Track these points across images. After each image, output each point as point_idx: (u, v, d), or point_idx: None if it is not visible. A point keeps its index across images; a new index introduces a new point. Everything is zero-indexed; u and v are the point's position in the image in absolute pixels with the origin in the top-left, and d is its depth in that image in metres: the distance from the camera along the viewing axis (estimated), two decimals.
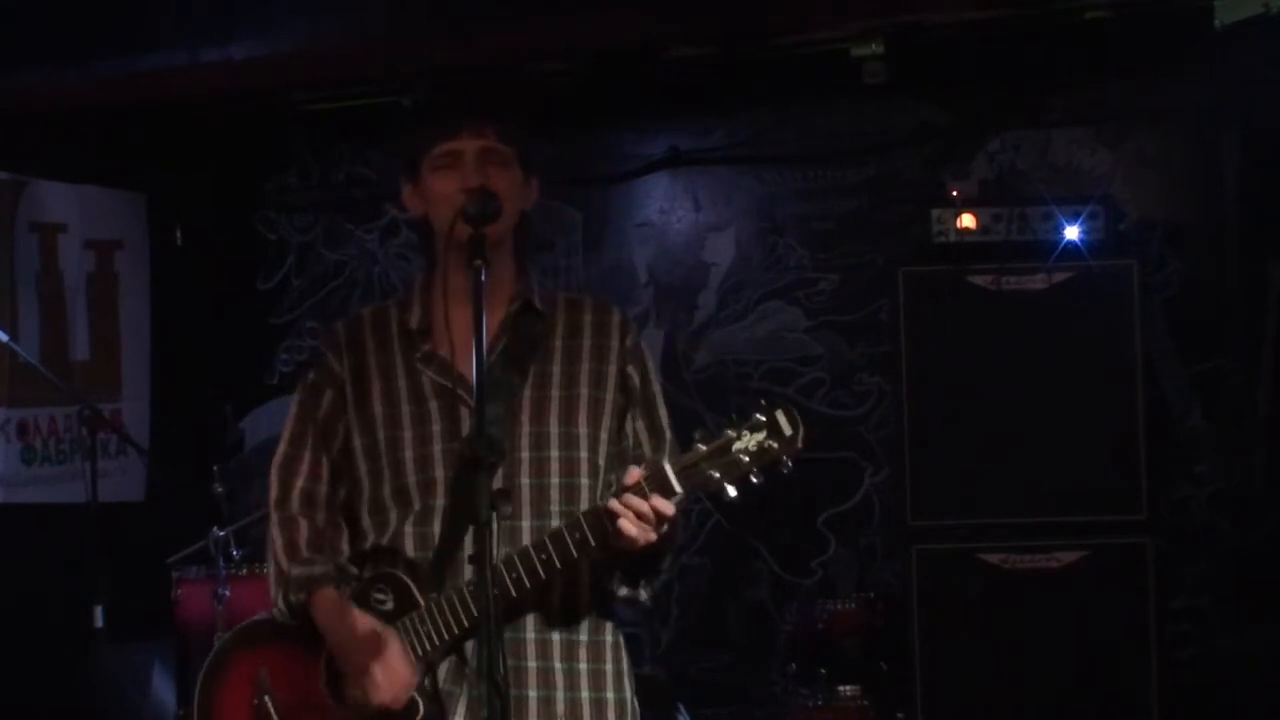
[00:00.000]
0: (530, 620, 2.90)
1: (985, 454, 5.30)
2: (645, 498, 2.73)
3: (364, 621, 2.86)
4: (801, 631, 5.69)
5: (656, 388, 3.07)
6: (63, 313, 6.27)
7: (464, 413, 2.91)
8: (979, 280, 5.34)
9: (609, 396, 2.99)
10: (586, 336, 3.01)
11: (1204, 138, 5.81)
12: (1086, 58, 5.81)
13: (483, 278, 2.69)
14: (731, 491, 2.73)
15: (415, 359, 2.98)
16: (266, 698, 2.99)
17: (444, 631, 2.86)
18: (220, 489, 5.39)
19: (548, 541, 2.80)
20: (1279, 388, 5.51)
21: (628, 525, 2.74)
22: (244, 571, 5.43)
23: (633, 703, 3.01)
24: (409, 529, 2.91)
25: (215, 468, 5.46)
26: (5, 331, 5.55)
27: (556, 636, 2.92)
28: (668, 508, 2.74)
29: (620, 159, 6.49)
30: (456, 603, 2.85)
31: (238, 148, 6.70)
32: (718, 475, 2.71)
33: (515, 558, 2.81)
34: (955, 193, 5.43)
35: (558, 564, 2.80)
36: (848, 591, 5.90)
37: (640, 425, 3.02)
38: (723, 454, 2.72)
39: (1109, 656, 5.20)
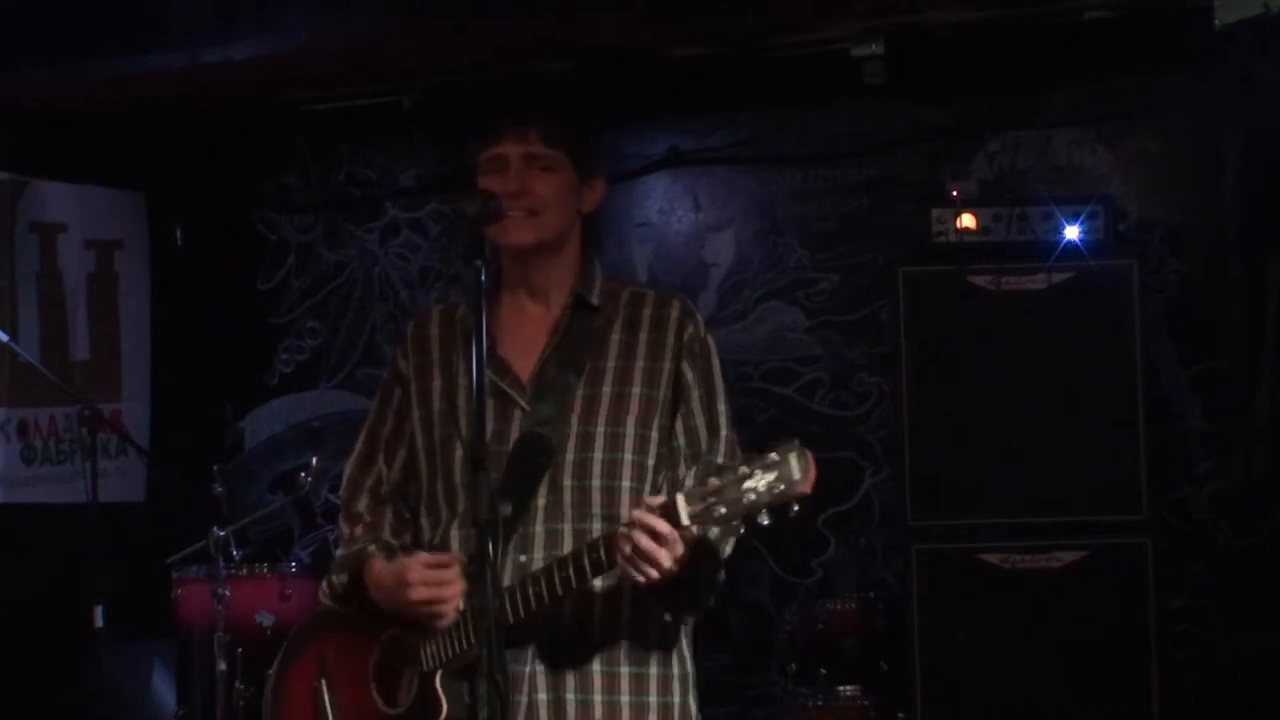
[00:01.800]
0: (598, 655, 2.87)
1: (985, 454, 5.30)
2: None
3: (391, 569, 2.89)
4: (801, 631, 5.69)
5: (718, 385, 3.00)
6: (63, 313, 6.27)
7: (516, 414, 2.91)
8: (979, 280, 5.34)
9: (661, 395, 2.94)
10: (644, 331, 2.97)
11: (1204, 138, 5.81)
12: (1086, 58, 5.81)
13: (482, 277, 2.69)
14: (740, 530, 2.71)
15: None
16: (324, 681, 3.02)
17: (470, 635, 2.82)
18: (220, 489, 5.39)
19: (569, 560, 2.76)
20: (1279, 387, 5.50)
21: (624, 560, 2.70)
22: (244, 571, 5.44)
23: None
24: (455, 531, 2.91)
25: (215, 468, 5.46)
26: (5, 331, 5.55)
27: (625, 670, 2.89)
28: (679, 549, 2.68)
29: (620, 159, 6.48)
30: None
31: (238, 148, 6.70)
32: (724, 511, 2.64)
33: (540, 576, 2.77)
34: (955, 193, 5.43)
35: (573, 584, 2.75)
36: (848, 591, 5.90)
37: (699, 423, 2.96)
38: (733, 490, 2.63)
39: (1109, 656, 5.20)
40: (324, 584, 3.04)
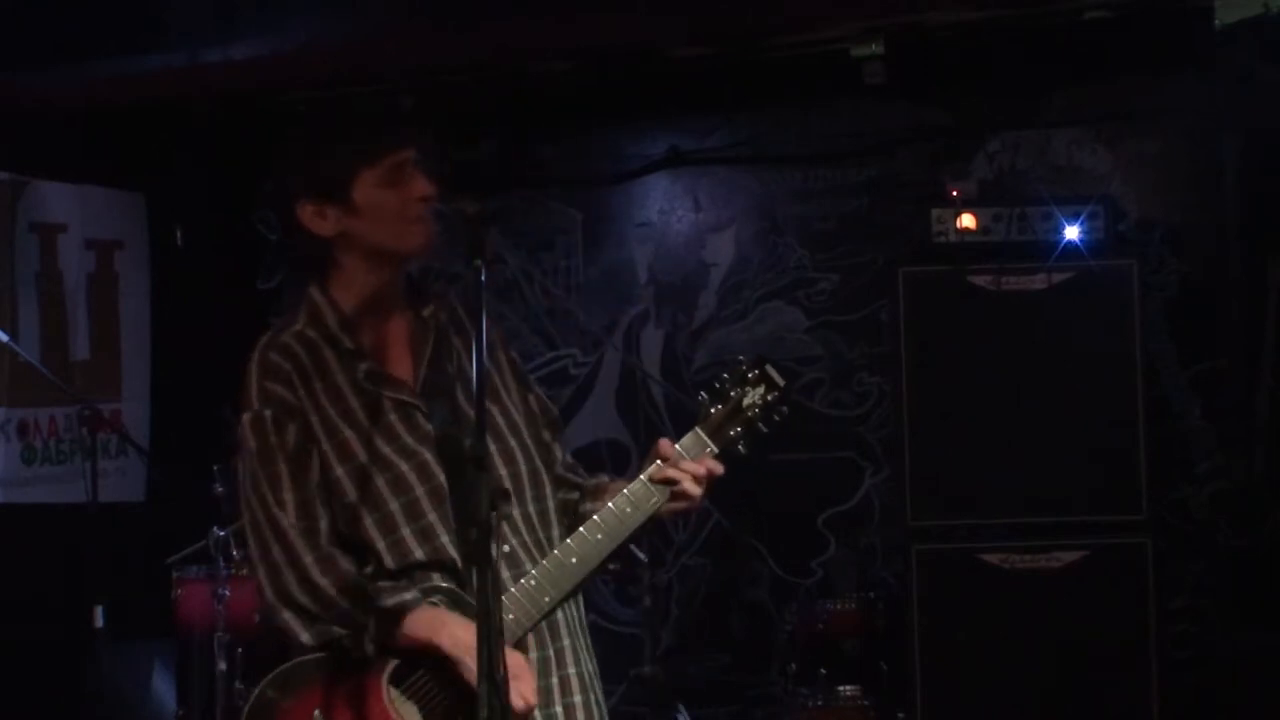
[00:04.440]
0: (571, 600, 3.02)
1: (985, 454, 5.30)
2: (699, 462, 2.97)
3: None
4: (801, 631, 5.69)
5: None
6: (63, 313, 6.27)
7: (419, 419, 2.96)
8: (979, 280, 5.35)
9: (512, 384, 3.09)
10: (470, 331, 3.04)
11: (1204, 138, 5.81)
12: (1086, 58, 5.82)
13: (482, 277, 2.70)
14: (743, 449, 3.02)
15: (359, 379, 2.96)
16: None
17: (512, 631, 2.85)
18: (220, 489, 5.38)
19: (601, 523, 2.93)
20: (1279, 387, 5.51)
21: (690, 487, 2.95)
22: (244, 572, 5.41)
23: None
24: (445, 539, 2.91)
25: (215, 468, 5.45)
26: (5, 331, 5.55)
27: (576, 613, 3.04)
28: (718, 466, 2.98)
29: (620, 159, 6.48)
30: (512, 600, 2.86)
31: (238, 148, 6.69)
32: (740, 430, 3.01)
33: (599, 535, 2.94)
34: (955, 193, 5.44)
35: (614, 544, 2.95)
36: (848, 591, 5.91)
37: (533, 399, 3.12)
38: (738, 411, 3.03)
39: (1109, 656, 5.20)
40: (373, 633, 2.84)
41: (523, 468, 2.99)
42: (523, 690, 2.79)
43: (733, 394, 3.03)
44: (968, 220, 5.38)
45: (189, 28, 5.47)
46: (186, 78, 5.62)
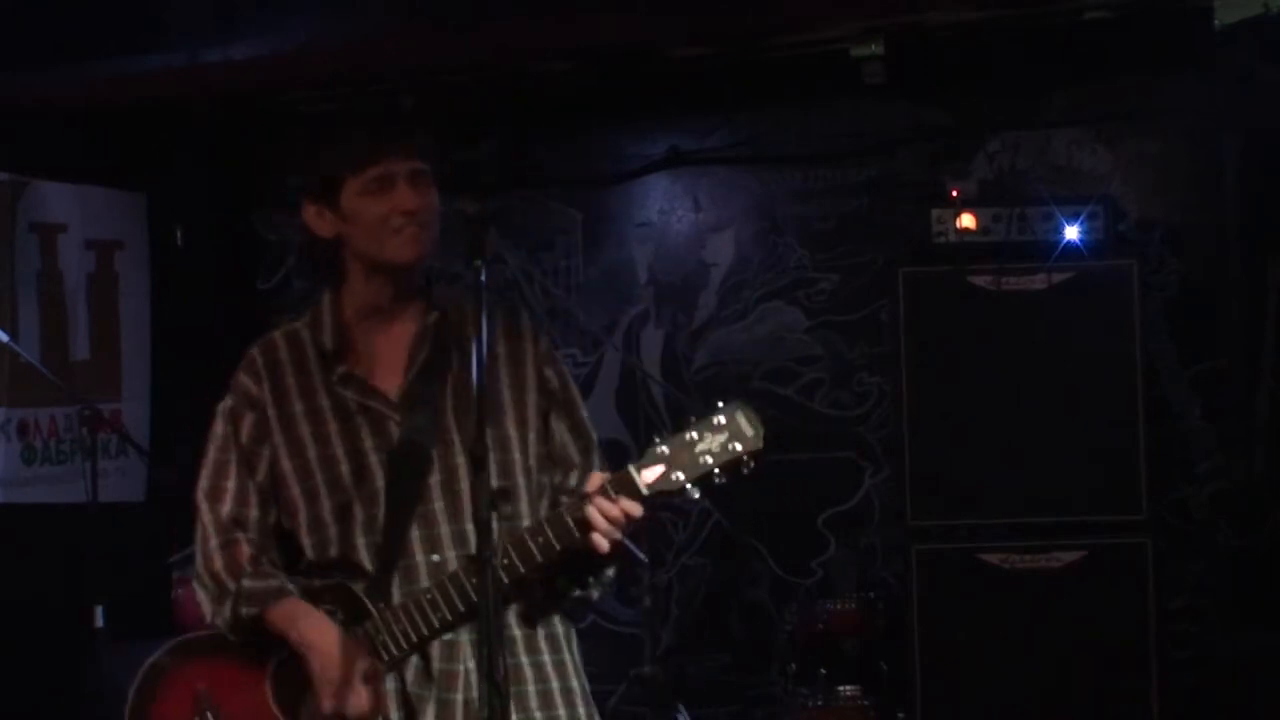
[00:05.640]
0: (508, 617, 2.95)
1: (985, 454, 5.31)
2: (614, 501, 2.77)
3: (335, 634, 2.89)
4: (801, 631, 5.69)
5: (575, 390, 3.10)
6: (63, 313, 6.27)
7: (390, 426, 2.96)
8: (979, 280, 5.35)
9: (530, 399, 3.02)
10: (500, 343, 3.03)
11: (1204, 138, 5.81)
12: (1086, 58, 5.82)
13: (482, 277, 2.70)
14: (695, 494, 2.78)
15: (333, 381, 2.99)
16: (209, 715, 2.98)
17: (407, 637, 2.88)
18: None
19: (510, 548, 2.83)
20: (1279, 387, 5.51)
21: (599, 540, 2.79)
22: None
23: (587, 689, 3.07)
24: (361, 540, 2.92)
25: None
26: (5, 331, 5.54)
27: (519, 633, 2.96)
28: (636, 509, 2.78)
29: (620, 159, 6.48)
30: (416, 608, 2.87)
31: (238, 148, 6.70)
32: (682, 477, 2.76)
33: (513, 547, 2.86)
34: (955, 193, 5.44)
35: (521, 569, 2.83)
36: (848, 591, 5.90)
37: (563, 426, 3.04)
38: (685, 456, 2.76)
39: (1109, 656, 5.21)
40: (227, 613, 2.96)
41: (492, 484, 2.89)
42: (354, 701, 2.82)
43: (687, 436, 2.76)
44: (968, 220, 5.39)
45: (189, 28, 5.47)
46: (186, 78, 5.62)
